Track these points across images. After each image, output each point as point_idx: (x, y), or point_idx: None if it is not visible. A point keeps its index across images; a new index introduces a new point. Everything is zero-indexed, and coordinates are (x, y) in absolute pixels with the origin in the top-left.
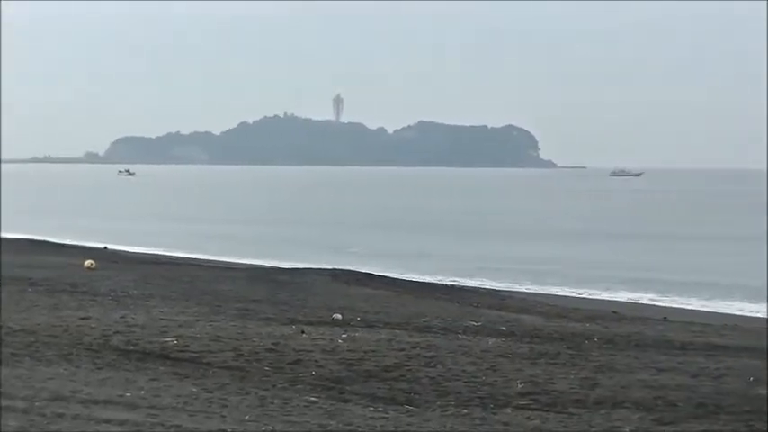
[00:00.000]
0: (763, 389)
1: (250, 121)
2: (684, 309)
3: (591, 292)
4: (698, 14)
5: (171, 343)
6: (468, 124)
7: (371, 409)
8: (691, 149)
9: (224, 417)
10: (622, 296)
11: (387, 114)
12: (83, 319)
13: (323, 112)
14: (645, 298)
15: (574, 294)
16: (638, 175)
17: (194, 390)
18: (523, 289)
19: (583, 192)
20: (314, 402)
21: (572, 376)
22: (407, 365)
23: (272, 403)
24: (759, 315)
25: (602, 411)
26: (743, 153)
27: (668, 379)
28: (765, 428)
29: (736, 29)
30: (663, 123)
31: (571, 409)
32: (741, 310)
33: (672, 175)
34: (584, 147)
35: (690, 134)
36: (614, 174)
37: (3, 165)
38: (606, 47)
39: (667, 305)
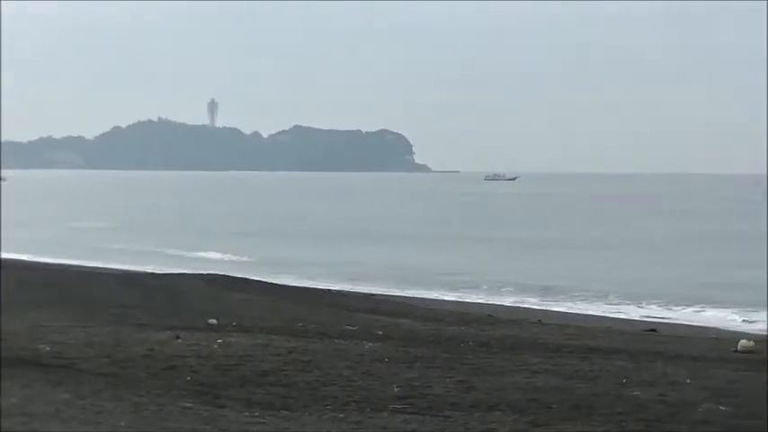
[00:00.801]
0: (636, 390)
1: (123, 125)
2: (558, 312)
3: (465, 295)
4: (580, 14)
5: (44, 350)
6: (342, 129)
7: (247, 414)
8: (566, 154)
9: (98, 423)
10: (497, 299)
11: (262, 119)
12: None
13: (198, 117)
14: (519, 301)
15: (448, 298)
16: (512, 179)
17: (68, 396)
18: (399, 293)
19: (458, 196)
20: (189, 408)
21: (448, 380)
22: (284, 370)
23: (147, 409)
24: (630, 317)
25: (478, 414)
26: (629, 157)
27: (543, 381)
28: (637, 429)
29: (609, 28)
30: (535, 127)
31: (447, 413)
32: (618, 313)
33: (546, 179)
34: (458, 151)
35: (564, 138)
36: (489, 178)
37: None
38: (479, 50)
39: (542, 308)
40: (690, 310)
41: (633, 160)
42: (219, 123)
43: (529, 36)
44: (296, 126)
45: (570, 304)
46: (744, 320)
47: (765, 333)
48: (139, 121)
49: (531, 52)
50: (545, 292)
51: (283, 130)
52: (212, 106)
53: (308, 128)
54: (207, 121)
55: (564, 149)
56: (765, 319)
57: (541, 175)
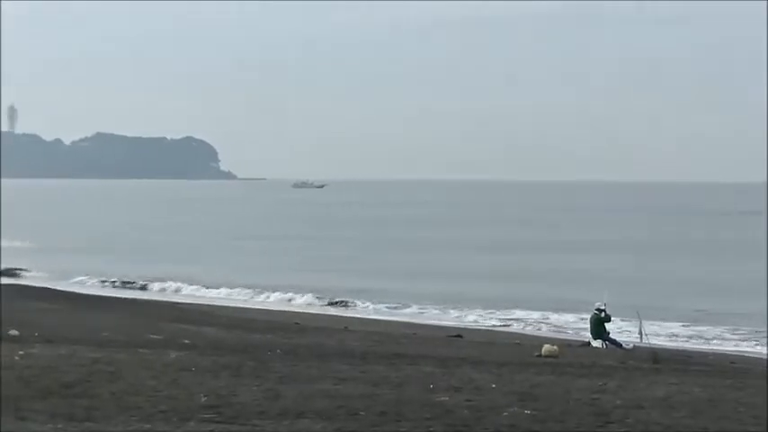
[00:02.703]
0: (443, 395)
1: None
2: (364, 319)
3: (271, 302)
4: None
5: None
6: (147, 136)
7: (51, 426)
8: (375, 161)
9: None
10: (302, 308)
11: (63, 125)
12: None
13: None
14: (324, 309)
15: (254, 306)
16: (320, 186)
17: None
18: (205, 302)
19: (264, 204)
20: None
21: (255, 388)
22: (88, 381)
23: None
24: (435, 323)
25: (286, 422)
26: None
27: (350, 388)
28: None
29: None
30: (345, 135)
31: (255, 421)
32: (423, 319)
33: (354, 187)
34: (266, 158)
35: (374, 145)
36: (297, 185)
37: None
38: (285, 56)
39: (347, 315)
40: (494, 315)
41: (462, 166)
42: (19, 130)
43: (347, 38)
44: (98, 133)
45: (375, 311)
46: (548, 324)
47: (566, 338)
48: None
49: (350, 57)
50: (349, 298)
51: (86, 137)
52: (11, 112)
53: (111, 134)
54: (6, 128)
55: (375, 155)
56: (566, 323)
57: (352, 181)
